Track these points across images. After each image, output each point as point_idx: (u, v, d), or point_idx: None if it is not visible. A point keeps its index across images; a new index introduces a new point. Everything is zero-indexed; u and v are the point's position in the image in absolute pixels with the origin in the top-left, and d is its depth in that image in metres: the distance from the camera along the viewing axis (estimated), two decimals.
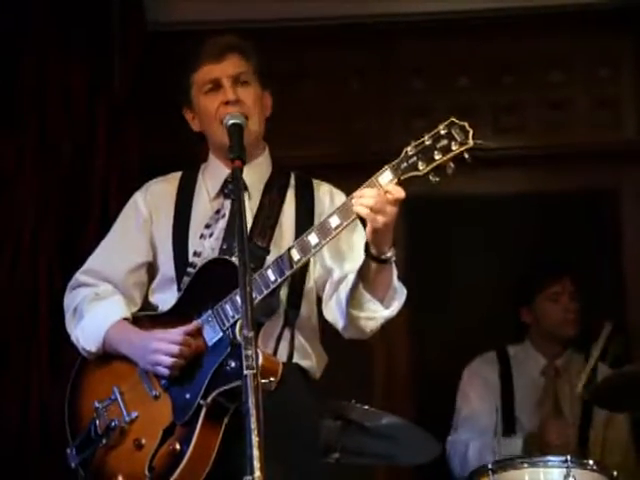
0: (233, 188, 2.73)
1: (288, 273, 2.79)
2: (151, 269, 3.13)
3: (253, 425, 2.27)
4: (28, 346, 4.26)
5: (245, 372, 2.33)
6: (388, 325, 2.94)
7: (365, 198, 2.71)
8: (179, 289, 3.00)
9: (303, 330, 3.01)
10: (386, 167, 2.72)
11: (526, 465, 3.57)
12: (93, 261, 3.18)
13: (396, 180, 2.71)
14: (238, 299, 2.78)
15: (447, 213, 4.93)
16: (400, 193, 2.70)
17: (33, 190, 4.37)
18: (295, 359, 2.98)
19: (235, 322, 2.80)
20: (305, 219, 3.02)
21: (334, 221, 2.75)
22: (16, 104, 4.40)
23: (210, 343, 2.85)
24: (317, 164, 4.87)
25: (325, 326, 3.09)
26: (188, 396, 2.83)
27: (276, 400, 2.62)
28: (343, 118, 5.01)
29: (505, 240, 4.99)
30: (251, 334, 2.37)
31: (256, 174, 3.07)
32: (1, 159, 4.37)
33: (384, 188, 2.70)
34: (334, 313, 2.97)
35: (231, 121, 2.89)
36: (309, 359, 3.03)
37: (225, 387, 2.78)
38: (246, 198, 2.99)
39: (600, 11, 4.81)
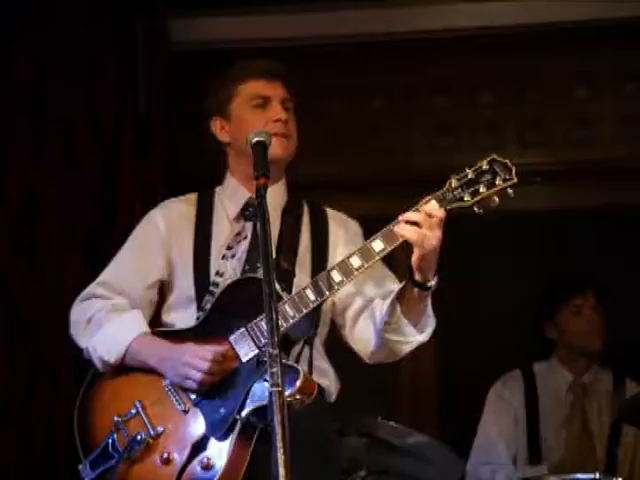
0: (257, 205, 2.70)
1: (328, 294, 2.84)
2: (162, 287, 3.13)
3: (279, 443, 2.27)
4: (53, 368, 4.25)
5: (270, 389, 2.33)
6: None
7: (412, 222, 2.76)
8: (199, 308, 3.01)
9: (319, 350, 3.05)
10: (430, 197, 2.80)
11: None
12: (109, 274, 3.14)
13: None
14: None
15: (472, 229, 4.90)
16: (441, 213, 2.77)
17: (59, 210, 4.38)
18: (314, 378, 2.95)
19: None
20: (321, 248, 3.07)
21: (377, 245, 2.82)
22: (43, 125, 4.43)
23: (244, 359, 2.86)
24: (341, 181, 4.89)
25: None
26: (223, 411, 2.83)
27: (295, 420, 2.60)
28: (367, 136, 5.02)
29: (532, 256, 4.97)
30: (276, 352, 2.37)
31: (275, 199, 3.07)
32: (29, 179, 4.39)
33: (426, 211, 2.76)
34: (364, 336, 3.01)
35: (255, 139, 2.84)
36: (327, 378, 3.06)
37: (259, 403, 2.76)
38: None
39: (626, 26, 4.78)
